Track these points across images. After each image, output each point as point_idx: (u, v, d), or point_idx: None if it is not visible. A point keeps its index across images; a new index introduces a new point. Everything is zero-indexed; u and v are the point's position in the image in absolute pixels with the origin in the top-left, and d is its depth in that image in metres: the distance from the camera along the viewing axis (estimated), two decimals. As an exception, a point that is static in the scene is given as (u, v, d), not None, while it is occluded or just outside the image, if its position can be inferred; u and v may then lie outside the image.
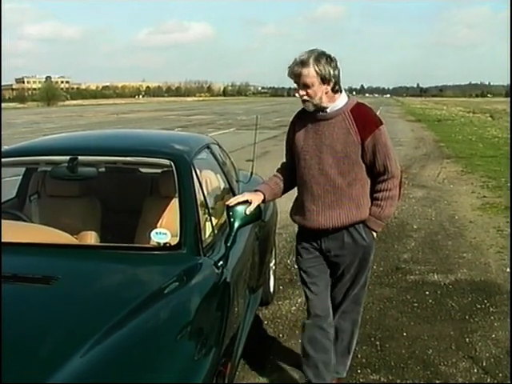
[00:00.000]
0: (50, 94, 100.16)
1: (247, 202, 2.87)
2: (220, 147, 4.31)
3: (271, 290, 4.58)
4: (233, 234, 2.82)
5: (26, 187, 3.92)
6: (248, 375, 3.48)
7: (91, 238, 3.38)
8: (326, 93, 2.74)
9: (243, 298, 3.21)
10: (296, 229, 3.16)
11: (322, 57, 2.70)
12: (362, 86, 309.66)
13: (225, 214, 2.96)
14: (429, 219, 7.51)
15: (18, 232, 2.92)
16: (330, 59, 2.72)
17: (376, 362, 3.64)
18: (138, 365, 1.91)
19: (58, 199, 3.67)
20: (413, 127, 26.33)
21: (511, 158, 12.27)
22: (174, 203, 3.06)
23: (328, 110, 2.81)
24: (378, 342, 3.90)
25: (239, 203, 2.86)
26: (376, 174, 2.86)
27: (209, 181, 3.58)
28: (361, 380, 3.43)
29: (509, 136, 17.68)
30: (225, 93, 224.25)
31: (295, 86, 2.81)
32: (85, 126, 27.14)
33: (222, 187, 3.79)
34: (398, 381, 3.42)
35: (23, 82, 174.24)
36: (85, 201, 3.69)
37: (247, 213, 2.85)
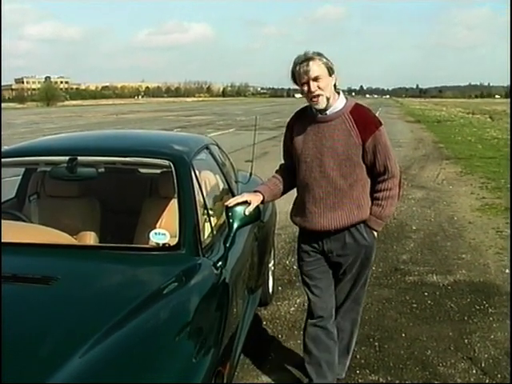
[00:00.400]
0: (49, 95, 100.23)
1: (246, 203, 2.88)
2: (219, 148, 4.31)
3: (270, 290, 4.58)
4: (232, 234, 2.83)
5: (25, 187, 3.92)
6: (247, 375, 3.49)
7: (90, 238, 3.38)
8: (331, 87, 2.77)
9: (242, 299, 3.21)
10: (295, 229, 3.17)
11: (320, 53, 2.76)
12: (361, 86, 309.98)
13: (224, 214, 2.97)
14: (428, 220, 7.51)
15: (17, 232, 2.92)
16: (327, 58, 2.77)
17: (375, 362, 3.65)
18: (138, 365, 1.91)
19: (58, 199, 3.67)
20: (412, 128, 26.34)
21: (511, 159, 12.28)
22: (173, 204, 3.07)
23: (328, 112, 2.81)
24: (376, 343, 3.90)
25: (238, 204, 2.87)
26: (376, 174, 2.87)
27: (208, 181, 3.58)
28: (359, 380, 3.43)
29: (508, 137, 17.70)
30: (224, 93, 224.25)
31: (297, 87, 2.81)
32: (84, 127, 27.12)
33: (221, 188, 3.79)
34: (397, 381, 3.42)
35: (23, 83, 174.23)
36: (84, 201, 3.70)
37: (246, 213, 2.86)
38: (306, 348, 3.11)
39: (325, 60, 2.74)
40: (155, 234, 2.76)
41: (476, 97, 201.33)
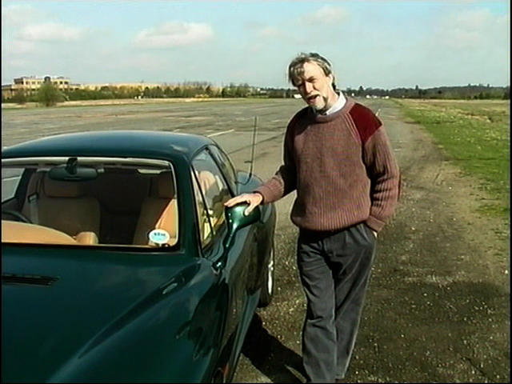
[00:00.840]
0: (48, 95, 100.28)
1: (246, 203, 2.88)
2: (219, 148, 4.31)
3: (269, 291, 4.58)
4: (231, 235, 2.83)
5: (25, 188, 3.92)
6: (246, 376, 3.49)
7: (90, 238, 3.38)
8: (329, 87, 2.77)
9: (241, 299, 3.21)
10: (294, 230, 3.18)
11: (315, 54, 2.77)
12: (360, 87, 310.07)
13: (223, 215, 2.97)
14: (427, 221, 7.51)
15: (16, 232, 2.92)
16: (322, 58, 2.77)
17: (374, 363, 3.65)
18: (137, 365, 1.91)
19: (57, 200, 3.67)
20: (412, 129, 26.36)
21: (511, 160, 12.29)
22: (173, 204, 3.07)
23: (327, 113, 2.82)
24: (375, 344, 3.90)
25: (238, 204, 2.87)
26: (376, 174, 2.87)
27: (207, 182, 3.58)
28: (359, 381, 3.43)
29: (508, 138, 17.71)
30: (223, 94, 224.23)
31: (296, 88, 2.82)
32: (84, 127, 27.13)
33: (220, 188, 3.79)
34: (396, 382, 3.43)
35: (22, 83, 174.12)
36: (84, 201, 3.70)
37: (246, 214, 2.86)
38: (304, 348, 3.11)
39: (320, 60, 2.74)
40: (155, 234, 2.76)
41: (475, 98, 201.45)
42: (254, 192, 3.00)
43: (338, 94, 2.84)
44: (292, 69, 2.75)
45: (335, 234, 2.91)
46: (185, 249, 2.71)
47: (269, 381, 3.45)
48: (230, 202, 2.88)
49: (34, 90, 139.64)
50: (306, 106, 2.89)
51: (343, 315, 3.13)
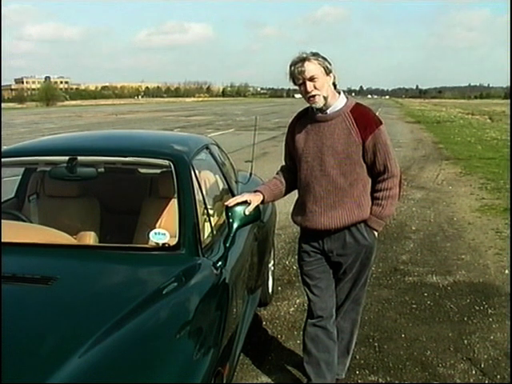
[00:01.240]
0: (48, 95, 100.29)
1: (246, 203, 2.88)
2: (219, 148, 4.31)
3: (270, 290, 4.58)
4: (232, 234, 2.83)
5: (25, 187, 3.91)
6: (247, 376, 3.48)
7: (90, 238, 3.37)
8: (329, 87, 2.77)
9: (242, 299, 3.21)
10: (295, 230, 3.17)
11: (316, 54, 2.77)
12: (361, 87, 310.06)
13: (224, 214, 2.96)
14: (427, 221, 7.51)
15: (16, 232, 2.92)
16: (323, 56, 2.77)
17: (374, 363, 3.64)
18: (137, 365, 1.91)
19: (57, 199, 3.67)
20: (412, 129, 26.35)
21: (511, 160, 12.28)
22: (173, 204, 3.06)
23: (328, 111, 2.82)
24: (376, 344, 3.90)
25: (238, 204, 2.87)
26: (376, 173, 2.87)
27: (208, 181, 3.58)
28: (359, 381, 3.43)
29: (508, 138, 17.70)
30: (224, 94, 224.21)
31: (296, 87, 2.82)
32: (84, 127, 27.13)
33: (220, 188, 3.79)
34: (397, 382, 3.42)
35: (22, 83, 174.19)
36: (84, 201, 3.70)
37: (246, 213, 2.86)
38: (305, 348, 3.11)
39: (320, 59, 2.74)
40: (155, 233, 2.76)
41: (475, 97, 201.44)
42: (255, 191, 3.00)
43: (339, 93, 2.84)
44: (293, 68, 2.76)
45: (335, 233, 2.91)
46: (185, 248, 2.70)
47: (269, 381, 3.45)
48: (231, 202, 2.88)
49: (34, 89, 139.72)
50: (307, 105, 2.89)
51: (343, 315, 3.13)
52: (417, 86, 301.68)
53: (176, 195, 2.98)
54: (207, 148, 3.86)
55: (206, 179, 3.56)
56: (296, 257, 3.24)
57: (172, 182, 3.05)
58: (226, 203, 2.90)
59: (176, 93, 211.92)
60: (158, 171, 3.56)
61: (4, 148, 3.54)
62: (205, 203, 3.14)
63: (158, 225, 3.12)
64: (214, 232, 3.08)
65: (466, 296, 4.77)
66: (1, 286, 2.22)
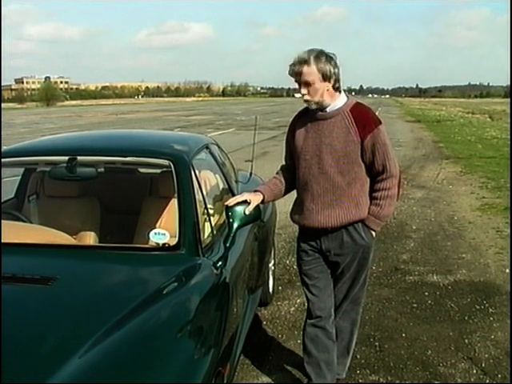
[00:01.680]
0: (49, 95, 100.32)
1: (246, 202, 2.87)
2: (219, 147, 4.31)
3: (270, 290, 4.57)
4: (232, 234, 2.82)
5: (24, 187, 3.91)
6: (247, 376, 3.48)
7: (90, 238, 3.37)
8: (328, 90, 2.76)
9: (242, 299, 3.20)
10: (295, 229, 3.17)
11: (321, 55, 2.72)
12: (361, 86, 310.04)
13: (224, 214, 2.96)
14: (428, 220, 7.51)
15: (16, 232, 2.91)
16: (329, 57, 2.74)
17: (375, 362, 3.64)
18: (137, 365, 1.90)
19: (57, 199, 3.67)
20: (412, 128, 26.34)
21: (511, 159, 12.27)
22: (173, 203, 3.06)
23: (328, 110, 2.82)
24: (377, 343, 3.90)
25: (238, 203, 2.86)
26: (375, 173, 2.86)
27: (208, 181, 3.57)
28: (360, 380, 3.43)
29: (508, 137, 17.69)
30: (224, 93, 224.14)
31: (295, 85, 2.82)
32: (84, 127, 27.13)
33: (221, 187, 3.78)
34: (398, 381, 3.42)
35: (22, 83, 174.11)
36: (84, 201, 3.69)
37: (246, 213, 2.85)
38: (305, 348, 3.11)
39: (322, 63, 2.70)
40: (155, 233, 2.75)
41: (475, 96, 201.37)
42: (255, 191, 2.99)
43: (340, 92, 2.83)
44: (292, 67, 2.76)
45: (333, 232, 2.91)
46: (185, 248, 2.70)
47: (270, 381, 3.44)
48: (231, 201, 2.87)
49: (34, 89, 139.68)
50: (307, 104, 2.89)
51: (343, 315, 3.12)
52: (417, 85, 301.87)
53: (176, 195, 2.98)
54: (207, 148, 3.86)
55: (206, 179, 3.56)
56: (296, 256, 3.24)
57: (172, 181, 3.04)
58: (225, 203, 2.90)
59: (176, 92, 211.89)
60: (158, 171, 3.56)
61: (4, 148, 3.53)
62: (205, 203, 3.14)
63: (158, 225, 3.12)
64: (214, 232, 3.08)
65: (466, 295, 4.77)
66: (1, 287, 2.22)
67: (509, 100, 57.90)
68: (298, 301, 4.61)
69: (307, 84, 2.73)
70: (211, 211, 3.21)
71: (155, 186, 3.66)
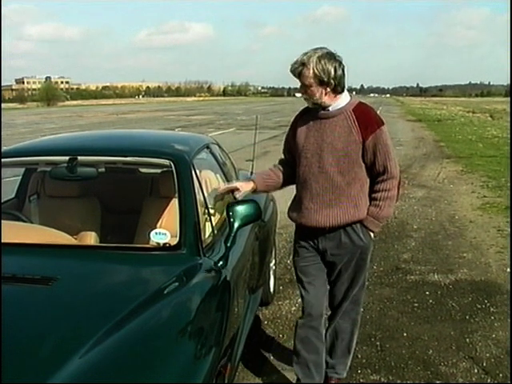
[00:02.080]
0: (49, 95, 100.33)
1: (237, 189, 2.93)
2: (220, 147, 4.30)
3: (271, 290, 4.57)
4: (232, 234, 2.82)
5: (25, 187, 3.91)
6: (248, 375, 3.48)
7: (91, 238, 3.37)
8: (326, 93, 2.75)
9: (243, 299, 3.20)
10: (296, 229, 3.15)
11: (324, 57, 2.69)
12: (361, 85, 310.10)
13: (224, 214, 2.96)
14: (429, 219, 7.50)
15: (17, 232, 2.91)
16: (333, 60, 2.71)
17: (376, 362, 3.64)
18: (138, 365, 1.90)
19: (58, 199, 3.66)
20: (413, 127, 26.33)
21: (511, 158, 12.26)
22: (174, 203, 3.06)
23: (330, 109, 2.81)
24: (378, 343, 3.89)
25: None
26: (375, 173, 2.85)
27: (208, 181, 3.57)
28: (361, 380, 3.43)
29: (509, 136, 17.68)
30: (225, 93, 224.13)
31: (296, 85, 2.85)
32: (85, 127, 27.13)
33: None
34: (399, 381, 3.42)
35: (23, 83, 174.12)
36: (84, 201, 3.69)
37: (237, 197, 2.87)
38: (295, 348, 3.12)
39: (321, 68, 2.68)
40: (156, 233, 2.75)
41: (476, 95, 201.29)
42: (248, 180, 3.01)
43: (343, 91, 2.82)
44: (292, 66, 2.77)
45: (331, 232, 2.90)
46: (186, 248, 2.70)
47: (270, 380, 3.44)
48: (223, 189, 2.89)
49: (34, 89, 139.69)
50: (308, 104, 2.89)
51: (343, 315, 3.12)
52: (417, 85, 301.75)
53: (177, 195, 2.97)
54: (208, 147, 3.85)
55: (207, 179, 3.55)
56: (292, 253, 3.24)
57: (173, 181, 3.04)
58: (217, 189, 2.92)
59: (177, 92, 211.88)
60: (159, 171, 3.55)
61: (4, 148, 3.53)
62: (205, 203, 3.13)
63: (158, 225, 3.11)
64: (215, 232, 3.08)
65: (467, 294, 4.77)
66: (1, 287, 2.21)
67: (509, 99, 57.85)
68: (299, 300, 4.57)
69: (305, 85, 2.75)
70: (212, 211, 3.20)
71: (156, 185, 3.65)
